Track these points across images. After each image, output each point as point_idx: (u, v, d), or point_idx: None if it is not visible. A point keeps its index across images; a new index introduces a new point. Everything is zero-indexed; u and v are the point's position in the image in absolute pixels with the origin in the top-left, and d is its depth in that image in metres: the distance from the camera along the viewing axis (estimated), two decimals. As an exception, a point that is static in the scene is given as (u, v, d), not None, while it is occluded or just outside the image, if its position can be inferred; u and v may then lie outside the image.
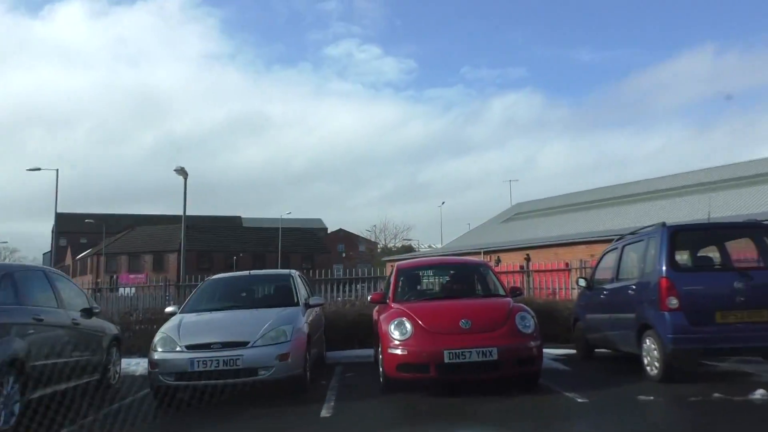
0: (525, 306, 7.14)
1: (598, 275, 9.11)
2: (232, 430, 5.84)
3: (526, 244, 32.87)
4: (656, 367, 6.89)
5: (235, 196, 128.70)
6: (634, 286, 7.56)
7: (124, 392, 7.70)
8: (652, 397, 6.16)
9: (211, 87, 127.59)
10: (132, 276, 53.98)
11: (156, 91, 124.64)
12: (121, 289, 19.76)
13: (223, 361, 6.45)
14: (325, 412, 6.15)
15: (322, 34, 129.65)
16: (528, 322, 6.74)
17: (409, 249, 65.22)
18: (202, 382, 6.44)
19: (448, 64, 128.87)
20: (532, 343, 6.64)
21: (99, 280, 45.28)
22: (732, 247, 7.72)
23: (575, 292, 10.86)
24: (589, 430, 5.53)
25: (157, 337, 6.91)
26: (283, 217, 64.03)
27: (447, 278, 8.88)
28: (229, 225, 78.94)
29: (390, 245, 71.50)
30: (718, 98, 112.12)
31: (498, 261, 32.00)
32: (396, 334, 6.69)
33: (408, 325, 6.69)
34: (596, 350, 9.13)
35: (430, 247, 62.40)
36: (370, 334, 8.54)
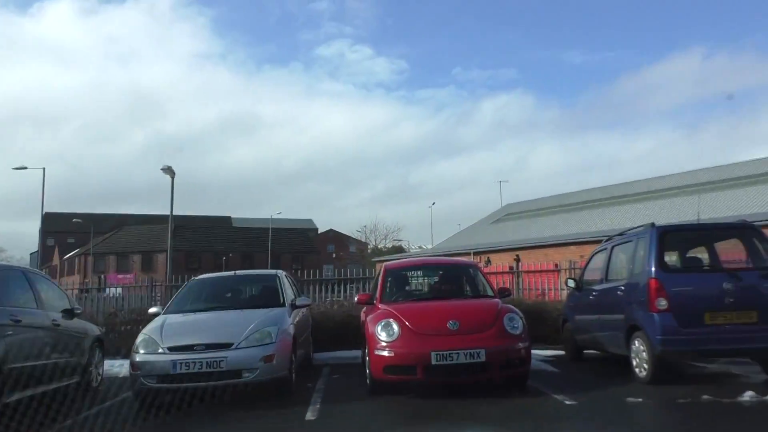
0: (513, 307, 7.06)
1: (587, 276, 9.06)
2: (214, 433, 5.72)
3: (516, 244, 32.88)
4: (645, 369, 6.84)
5: (226, 196, 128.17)
6: (623, 287, 7.50)
7: (106, 395, 7.54)
8: (640, 399, 6.09)
9: (202, 87, 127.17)
10: (120, 276, 53.53)
11: (146, 91, 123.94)
12: (108, 290, 19.49)
13: (207, 362, 6.32)
14: (310, 415, 6.04)
15: (314, 34, 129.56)
16: (516, 324, 6.67)
17: (399, 249, 65.18)
18: (185, 384, 6.31)
19: (440, 65, 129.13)
20: (521, 345, 6.57)
21: (86, 280, 44.87)
22: (721, 248, 7.70)
23: (564, 293, 10.82)
24: (577, 433, 5.46)
25: (139, 339, 6.78)
26: (273, 217, 63.77)
27: (435, 279, 8.80)
28: (219, 225, 78.53)
29: (380, 246, 71.37)
30: (707, 100, 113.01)
31: (488, 262, 32.00)
32: (383, 336, 6.59)
33: (395, 327, 6.60)
34: (585, 351, 9.07)
35: (420, 247, 62.39)
36: (359, 335, 8.44)
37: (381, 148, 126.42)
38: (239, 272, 8.99)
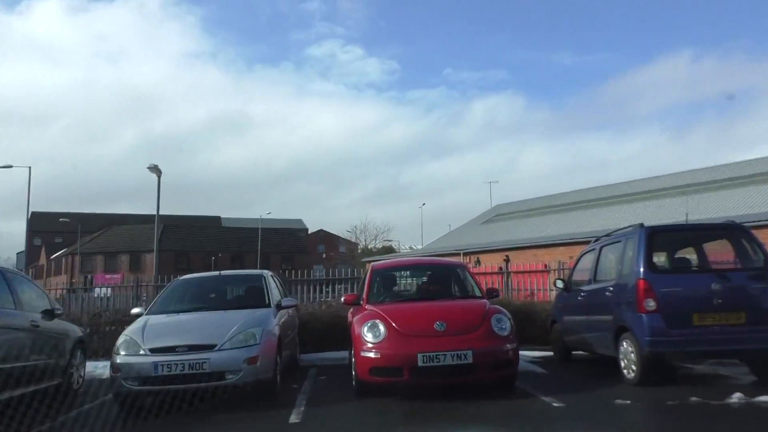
0: (501, 308, 6.98)
1: (576, 277, 9.02)
2: (196, 436, 5.61)
3: (506, 245, 32.88)
4: (633, 370, 6.79)
5: (216, 196, 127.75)
6: (611, 288, 7.45)
7: (87, 397, 7.39)
8: (629, 402, 6.03)
9: (192, 86, 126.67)
10: (108, 276, 53.08)
11: (135, 90, 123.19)
12: (96, 290, 19.24)
13: (189, 364, 6.19)
14: (294, 418, 5.93)
15: (305, 34, 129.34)
16: (504, 325, 6.59)
17: (389, 250, 65.03)
18: (167, 386, 6.18)
19: (431, 66, 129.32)
20: (508, 346, 6.49)
21: (74, 280, 44.40)
22: (709, 249, 7.66)
23: (553, 294, 10.77)
24: (565, 435, 5.39)
25: (120, 340, 6.64)
26: (262, 217, 63.50)
27: (422, 279, 8.71)
28: (209, 225, 78.15)
29: (370, 246, 71.21)
30: (696, 103, 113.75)
31: (477, 262, 31.99)
32: (369, 337, 6.49)
33: (381, 328, 6.50)
34: (574, 352, 9.03)
35: (411, 248, 62.31)
36: (346, 336, 8.32)
37: (372, 148, 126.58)
38: (224, 272, 8.86)
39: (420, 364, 6.18)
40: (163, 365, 6.17)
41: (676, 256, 7.76)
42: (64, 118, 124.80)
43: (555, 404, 6.07)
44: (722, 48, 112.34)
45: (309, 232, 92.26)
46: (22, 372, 6.26)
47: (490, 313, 6.68)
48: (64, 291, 16.78)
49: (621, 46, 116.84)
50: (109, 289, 16.31)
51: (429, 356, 6.18)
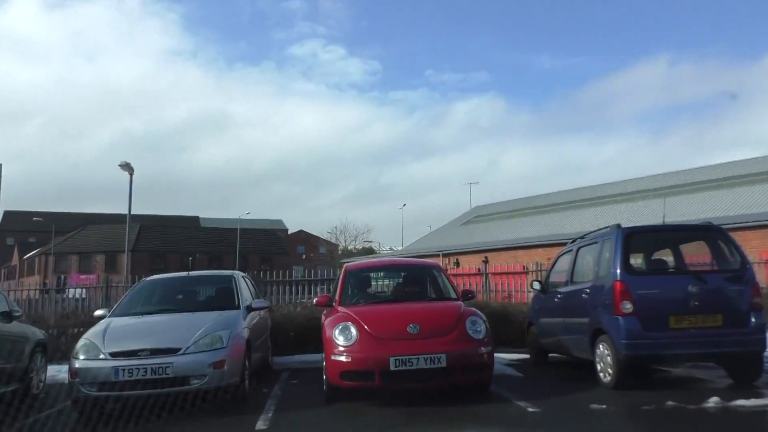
0: (476, 310, 6.81)
1: (553, 278, 8.90)
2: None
3: (485, 246, 32.92)
4: (609, 374, 6.67)
5: (195, 196, 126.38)
6: (588, 290, 7.33)
7: (47, 403, 7.10)
8: (604, 406, 5.90)
9: (172, 84, 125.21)
10: (83, 277, 52.14)
11: (113, 87, 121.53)
12: (69, 290, 18.73)
13: (151, 369, 5.94)
14: (261, 424, 5.70)
15: (287, 34, 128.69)
16: (479, 327, 6.42)
17: (369, 251, 64.88)
18: (127, 392, 5.91)
19: (413, 67, 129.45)
20: (483, 349, 6.31)
21: (47, 280, 43.54)
22: (686, 251, 7.58)
23: (531, 295, 10.65)
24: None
25: (79, 344, 6.36)
26: (242, 217, 62.90)
27: (397, 280, 8.53)
28: (187, 225, 77.21)
29: (350, 247, 71.03)
30: (673, 106, 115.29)
31: (457, 263, 31.96)
32: (340, 340, 6.29)
33: (353, 330, 6.30)
34: (550, 355, 8.91)
35: (391, 249, 62.23)
36: (321, 338, 8.13)
37: (353, 148, 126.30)
38: (192, 273, 8.58)
39: (392, 367, 5.99)
40: (123, 370, 5.91)
41: (653, 257, 7.67)
42: (40, 116, 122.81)
43: (530, 409, 5.92)
44: (699, 53, 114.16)
45: (289, 232, 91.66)
46: (-25, 377, 5.97)
47: (465, 316, 6.51)
48: (37, 292, 16.31)
49: (600, 50, 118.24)
50: (84, 290, 15.86)
51: (401, 360, 5.99)
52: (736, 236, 7.46)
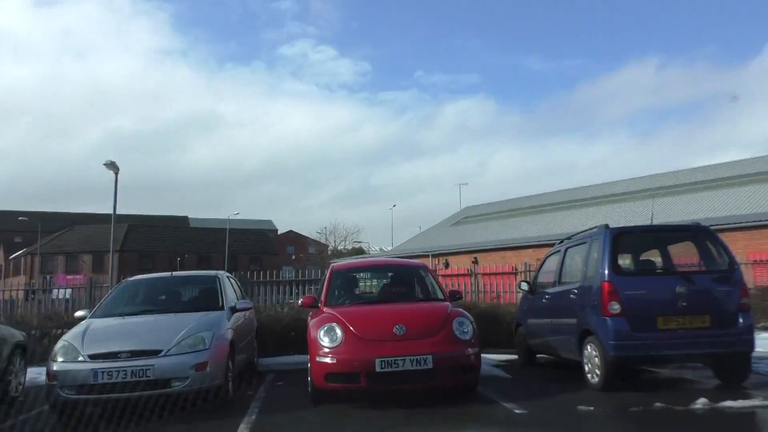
0: (463, 311, 6.73)
1: (541, 279, 8.85)
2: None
3: (475, 247, 32.93)
4: (597, 375, 6.62)
5: (184, 196, 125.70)
6: (576, 291, 7.28)
7: (25, 406, 6.92)
8: (592, 408, 5.82)
9: (161, 83, 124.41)
10: (69, 277, 51.59)
11: (102, 86, 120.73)
12: (55, 291, 18.47)
13: (132, 371, 5.81)
14: (243, 428, 5.58)
15: (277, 34, 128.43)
16: (466, 328, 6.34)
17: (359, 251, 64.76)
18: (107, 395, 5.78)
19: (403, 68, 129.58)
20: (470, 350, 6.24)
21: (32, 281, 43.08)
22: (674, 251, 7.54)
23: (520, 296, 10.61)
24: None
25: (57, 345, 6.22)
26: (231, 217, 62.56)
27: (383, 281, 8.43)
28: (175, 225, 76.68)
29: (340, 247, 70.88)
30: (662, 108, 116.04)
31: (446, 264, 31.92)
32: (325, 341, 6.19)
33: (338, 332, 6.20)
34: (538, 356, 8.86)
35: (381, 249, 62.14)
36: (306, 339, 8.02)
37: (343, 149, 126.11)
38: (176, 273, 8.44)
39: (378, 369, 5.90)
40: (103, 372, 5.78)
41: (641, 258, 7.63)
42: (27, 114, 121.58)
43: (517, 411, 5.85)
44: (687, 56, 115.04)
45: (279, 233, 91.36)
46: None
47: (452, 316, 6.43)
48: (22, 292, 16.07)
49: (590, 52, 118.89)
50: (70, 290, 15.63)
51: (387, 361, 5.90)
52: (724, 237, 7.42)
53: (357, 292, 8.09)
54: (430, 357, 5.94)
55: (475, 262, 28.44)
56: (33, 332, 10.48)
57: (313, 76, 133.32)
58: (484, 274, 14.72)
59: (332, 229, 72.60)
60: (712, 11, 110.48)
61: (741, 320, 6.50)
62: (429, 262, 32.21)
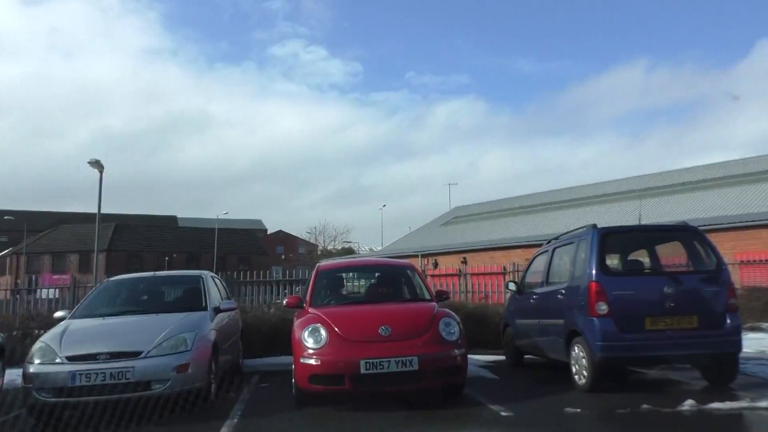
0: (450, 311, 6.64)
1: (529, 279, 8.79)
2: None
3: (464, 247, 32.92)
4: (584, 376, 6.55)
5: (174, 195, 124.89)
6: (563, 291, 7.21)
7: (2, 409, 6.77)
8: (578, 410, 5.76)
9: (151, 83, 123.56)
10: (56, 277, 51.11)
11: (91, 85, 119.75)
12: (40, 291, 18.20)
13: (111, 374, 5.67)
14: (225, 431, 5.47)
15: (268, 34, 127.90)
16: (452, 329, 6.25)
17: (349, 251, 64.63)
18: (85, 398, 5.64)
19: (394, 69, 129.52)
20: (456, 352, 6.14)
21: (18, 281, 42.57)
22: (661, 252, 7.50)
23: (509, 296, 10.55)
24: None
25: (34, 347, 6.07)
26: (220, 217, 62.22)
27: (369, 281, 8.33)
28: (164, 225, 76.10)
29: (330, 247, 70.69)
30: (650, 110, 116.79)
31: (435, 264, 31.87)
32: (310, 342, 6.08)
33: (323, 333, 6.10)
34: (526, 357, 8.79)
35: (371, 249, 62.06)
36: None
37: (334, 149, 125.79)
38: (159, 273, 8.30)
39: (362, 371, 5.80)
40: (81, 375, 5.64)
41: (629, 258, 7.58)
42: (14, 112, 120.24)
43: (503, 413, 5.77)
44: (676, 58, 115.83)
45: (268, 233, 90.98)
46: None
47: (438, 317, 6.34)
48: (8, 292, 15.83)
49: (579, 54, 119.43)
50: (57, 290, 15.40)
51: (372, 363, 5.81)
52: (711, 238, 7.38)
53: (343, 293, 7.99)
54: (415, 358, 5.85)
55: (465, 262, 28.43)
56: (15, 332, 10.31)
57: (304, 76, 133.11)
58: (473, 274, 14.66)
59: (322, 229, 72.46)
60: (701, 14, 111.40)
61: (728, 321, 6.47)
62: (418, 262, 32.16)
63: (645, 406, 5.71)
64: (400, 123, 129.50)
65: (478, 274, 14.88)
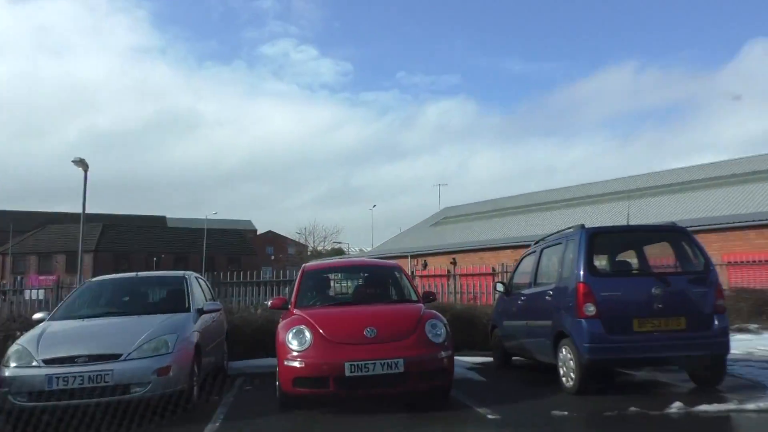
0: (437, 313, 6.56)
1: (517, 280, 8.72)
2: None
3: (453, 248, 32.88)
4: (572, 378, 6.49)
5: (163, 195, 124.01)
6: (551, 292, 7.15)
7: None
8: (566, 413, 5.68)
9: (139, 81, 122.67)
10: (42, 277, 50.52)
11: (79, 83, 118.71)
12: (26, 292, 17.95)
13: (89, 377, 5.54)
14: (206, 435, 5.36)
15: (258, 33, 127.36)
16: (439, 331, 6.17)
17: (339, 252, 64.50)
18: (63, 402, 5.50)
19: (384, 69, 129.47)
20: (443, 354, 6.05)
21: (3, 281, 42.09)
22: (649, 252, 7.46)
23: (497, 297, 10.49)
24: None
25: (10, 350, 5.92)
26: (209, 217, 61.88)
27: (356, 282, 8.24)
28: (152, 225, 75.59)
29: (319, 248, 70.54)
30: (639, 111, 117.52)
31: (425, 264, 31.83)
32: (294, 344, 5.98)
33: (307, 334, 6.00)
34: (514, 358, 8.73)
35: (360, 250, 61.93)
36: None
37: (324, 149, 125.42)
38: (141, 273, 8.16)
39: (347, 373, 5.70)
40: (58, 378, 5.50)
41: (617, 258, 7.53)
42: (1, 112, 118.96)
43: (490, 416, 5.69)
44: (664, 60, 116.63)
45: (258, 233, 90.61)
46: None
47: (425, 319, 6.25)
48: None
49: (569, 55, 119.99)
50: (43, 291, 15.17)
51: (357, 365, 5.71)
52: (699, 238, 7.34)
53: (328, 294, 7.88)
54: (401, 361, 5.76)
55: (454, 263, 28.39)
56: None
57: (295, 75, 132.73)
58: (462, 275, 14.61)
59: (312, 229, 72.34)
60: (690, 16, 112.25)
61: (716, 322, 6.43)
62: (408, 263, 32.10)
63: (633, 408, 5.65)
64: (391, 123, 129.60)
65: (467, 275, 14.84)
